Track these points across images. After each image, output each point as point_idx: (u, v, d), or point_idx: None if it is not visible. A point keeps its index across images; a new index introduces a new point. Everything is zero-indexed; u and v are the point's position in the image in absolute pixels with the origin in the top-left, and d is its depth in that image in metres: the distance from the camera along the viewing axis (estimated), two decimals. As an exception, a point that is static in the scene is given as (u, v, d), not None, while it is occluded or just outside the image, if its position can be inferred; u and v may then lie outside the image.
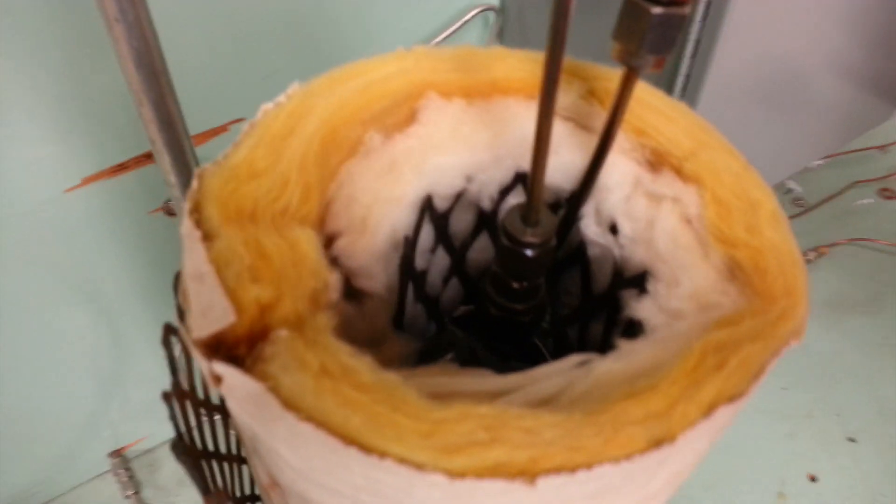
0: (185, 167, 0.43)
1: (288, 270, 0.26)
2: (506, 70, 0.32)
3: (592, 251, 0.33)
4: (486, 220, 0.35)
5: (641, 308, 0.28)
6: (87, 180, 0.82)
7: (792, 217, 1.37)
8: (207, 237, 0.26)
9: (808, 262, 1.33)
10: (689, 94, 0.84)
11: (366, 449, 0.21)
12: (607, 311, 0.34)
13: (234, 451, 0.37)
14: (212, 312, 0.24)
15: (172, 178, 0.43)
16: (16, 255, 0.82)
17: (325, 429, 0.22)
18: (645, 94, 0.31)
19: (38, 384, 0.95)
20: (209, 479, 0.30)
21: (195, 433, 0.31)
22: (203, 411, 0.35)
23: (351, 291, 0.33)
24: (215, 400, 0.35)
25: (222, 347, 0.24)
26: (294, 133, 0.29)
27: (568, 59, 0.33)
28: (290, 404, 0.22)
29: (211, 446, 0.33)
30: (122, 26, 0.34)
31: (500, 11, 0.93)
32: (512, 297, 0.30)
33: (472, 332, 0.34)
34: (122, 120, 0.79)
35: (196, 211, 0.26)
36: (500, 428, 0.22)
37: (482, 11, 0.91)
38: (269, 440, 0.24)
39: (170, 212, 0.86)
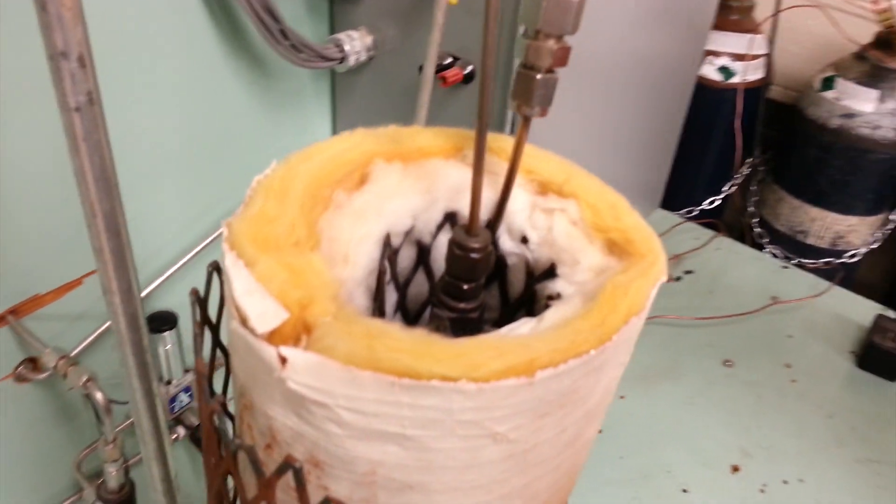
0: (125, 275, 0.47)
1: (313, 281, 0.34)
2: (425, 140, 0.44)
3: (511, 261, 0.44)
4: (422, 255, 0.45)
5: (556, 286, 0.40)
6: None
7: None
8: (248, 264, 0.34)
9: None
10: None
11: (415, 376, 0.30)
12: (526, 307, 0.45)
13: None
14: (268, 314, 0.32)
15: (114, 285, 0.47)
16: None
17: (381, 371, 0.30)
18: (529, 148, 0.44)
19: None
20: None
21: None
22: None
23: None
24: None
25: (280, 341, 0.32)
26: (289, 191, 0.38)
27: (469, 131, 0.45)
28: (349, 361, 0.30)
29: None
30: (86, 146, 0.41)
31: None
32: (463, 297, 0.41)
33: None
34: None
35: (233, 248, 0.34)
36: (505, 347, 0.31)
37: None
38: (329, 402, 0.31)
39: (21, 378, 0.78)
